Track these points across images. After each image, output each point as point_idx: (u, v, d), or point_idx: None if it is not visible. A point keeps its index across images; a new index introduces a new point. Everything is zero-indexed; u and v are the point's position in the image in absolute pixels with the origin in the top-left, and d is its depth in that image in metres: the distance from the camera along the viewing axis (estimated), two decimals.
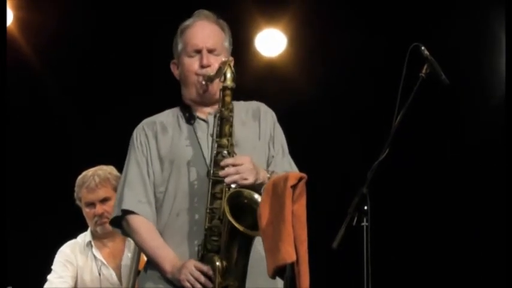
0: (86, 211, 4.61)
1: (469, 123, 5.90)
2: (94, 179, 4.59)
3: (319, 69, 6.09)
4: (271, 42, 6.18)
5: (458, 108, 5.85)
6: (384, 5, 5.93)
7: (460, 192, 5.84)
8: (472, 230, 5.81)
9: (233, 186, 3.31)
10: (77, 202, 4.68)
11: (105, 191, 4.59)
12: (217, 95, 3.47)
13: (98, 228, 4.58)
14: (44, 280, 4.64)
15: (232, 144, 3.40)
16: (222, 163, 3.33)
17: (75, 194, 4.67)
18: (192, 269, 3.29)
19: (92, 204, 4.58)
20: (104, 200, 4.57)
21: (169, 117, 3.61)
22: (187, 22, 3.61)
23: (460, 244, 5.84)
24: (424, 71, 3.31)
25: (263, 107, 3.66)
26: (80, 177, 4.66)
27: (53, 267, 4.64)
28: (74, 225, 4.79)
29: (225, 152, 3.37)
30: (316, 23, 6.05)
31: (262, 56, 6.20)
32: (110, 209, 4.47)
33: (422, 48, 3.32)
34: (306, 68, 6.15)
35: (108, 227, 4.53)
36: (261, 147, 3.57)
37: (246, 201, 3.25)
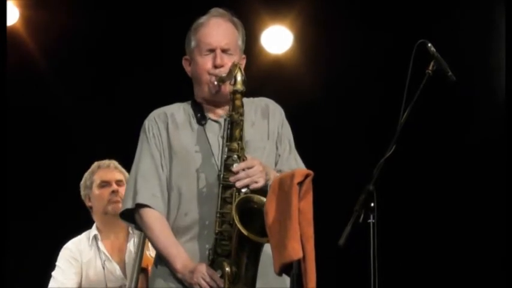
0: (99, 192, 4.68)
1: (476, 120, 5.89)
2: (112, 162, 4.76)
3: (326, 66, 6.09)
4: (277, 39, 6.18)
5: (464, 104, 5.84)
6: (390, 2, 5.92)
7: (467, 189, 5.83)
8: (479, 227, 5.80)
9: (244, 190, 3.31)
10: (85, 192, 4.73)
11: (120, 175, 4.71)
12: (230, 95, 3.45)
13: (110, 207, 4.63)
14: (49, 277, 4.66)
15: (242, 148, 3.38)
16: (235, 169, 3.32)
17: (85, 183, 4.74)
18: (204, 274, 3.29)
19: (107, 183, 4.68)
20: (119, 182, 4.68)
21: (180, 112, 3.59)
22: (201, 20, 3.58)
23: (467, 241, 5.84)
24: (430, 67, 3.30)
25: (272, 105, 3.65)
26: (93, 165, 4.79)
27: (57, 263, 4.67)
28: (77, 222, 4.82)
29: (235, 156, 3.36)
30: (322, 20, 6.04)
31: (268, 53, 6.20)
32: (123, 192, 4.52)
33: (429, 45, 3.31)
34: (312, 65, 6.15)
35: (120, 207, 4.58)
36: (270, 147, 3.56)
37: (255, 206, 3.24)
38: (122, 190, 4.61)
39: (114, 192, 4.65)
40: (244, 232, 3.16)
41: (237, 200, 3.28)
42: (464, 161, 5.86)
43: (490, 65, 5.82)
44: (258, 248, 3.23)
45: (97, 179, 4.71)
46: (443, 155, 5.92)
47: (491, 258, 5.70)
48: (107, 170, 4.73)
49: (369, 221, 3.07)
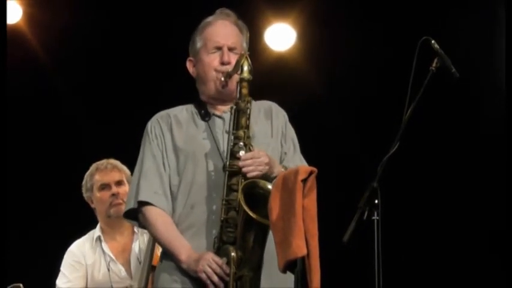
0: (100, 195, 4.66)
1: (480, 117, 5.88)
2: (109, 162, 4.72)
3: (329, 63, 6.09)
4: (280, 36, 6.18)
5: (468, 101, 5.84)
6: (393, 0, 5.92)
7: (470, 186, 5.83)
8: (482, 224, 5.80)
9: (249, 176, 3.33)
10: (87, 194, 4.72)
11: (120, 175, 4.68)
12: (235, 92, 3.48)
13: (112, 210, 4.62)
14: (54, 278, 4.65)
15: (248, 137, 3.41)
16: (243, 158, 3.34)
17: (85, 185, 4.72)
18: (210, 261, 3.30)
19: (107, 186, 4.65)
20: (119, 183, 4.65)
21: (183, 112, 3.62)
22: (208, 19, 3.63)
23: (470, 238, 5.84)
24: (434, 64, 3.30)
25: (275, 107, 3.68)
26: (91, 167, 4.74)
27: (61, 268, 4.66)
28: (82, 223, 4.82)
29: (241, 143, 3.38)
30: (325, 18, 6.04)
31: (272, 51, 6.20)
32: (124, 193, 4.53)
33: (433, 41, 3.31)
34: (315, 62, 6.15)
35: (123, 209, 4.58)
36: (274, 145, 3.58)
37: (261, 191, 3.25)
38: (122, 191, 4.60)
39: (114, 195, 4.63)
40: (250, 213, 3.17)
41: (243, 184, 3.29)
42: (468, 158, 5.86)
43: (493, 62, 5.81)
44: (264, 231, 3.22)
45: (96, 181, 4.69)
46: (447, 152, 5.92)
47: (493, 256, 5.70)
48: (105, 171, 4.69)
49: (373, 218, 3.07)
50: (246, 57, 3.44)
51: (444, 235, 5.89)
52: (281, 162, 3.56)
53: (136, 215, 3.54)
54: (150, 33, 6.00)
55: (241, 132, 3.40)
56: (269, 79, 5.70)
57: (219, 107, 3.60)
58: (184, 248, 3.40)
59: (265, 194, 3.19)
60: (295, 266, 2.96)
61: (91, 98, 6.17)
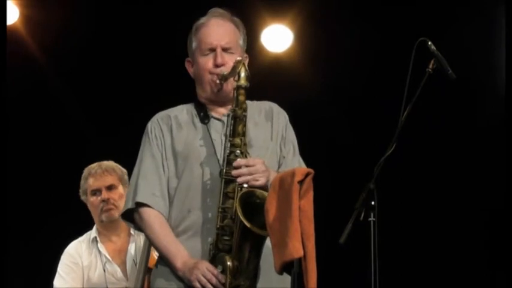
0: (92, 200, 4.65)
1: (478, 119, 5.88)
2: (100, 166, 4.68)
3: (326, 64, 6.09)
4: (277, 37, 6.18)
5: (464, 103, 5.84)
6: (391, 1, 5.92)
7: (467, 187, 5.83)
8: (479, 225, 5.80)
9: (245, 186, 3.31)
10: (83, 197, 4.71)
11: (112, 178, 4.65)
12: (232, 93, 3.46)
13: (104, 216, 4.61)
14: (51, 280, 4.65)
15: (245, 144, 3.39)
16: (235, 163, 3.33)
17: (81, 188, 4.71)
18: (204, 270, 3.28)
19: (98, 191, 4.64)
20: (110, 188, 4.64)
21: (183, 113, 3.60)
22: (202, 20, 3.59)
23: (466, 239, 5.84)
24: (430, 66, 3.31)
25: (276, 108, 3.66)
26: (84, 170, 4.72)
27: (58, 269, 4.66)
28: (81, 224, 4.81)
29: (238, 151, 3.37)
30: (322, 19, 6.04)
31: (268, 52, 6.20)
32: (116, 197, 4.54)
33: (429, 43, 3.32)
34: (312, 64, 6.15)
35: (114, 214, 4.58)
36: (273, 148, 3.56)
37: (258, 201, 3.24)
38: (114, 195, 4.59)
39: (104, 201, 4.62)
40: (247, 224, 3.16)
41: (239, 193, 3.28)
42: (465, 160, 5.86)
43: (491, 64, 5.82)
44: (261, 241, 3.22)
45: (89, 186, 4.67)
46: (443, 153, 5.92)
47: (490, 257, 5.70)
48: (96, 176, 4.66)
49: (370, 219, 3.08)
50: (243, 64, 3.41)
51: (441, 236, 5.89)
52: (279, 165, 3.55)
53: (132, 216, 3.51)
54: (148, 32, 6.00)
55: (237, 140, 3.39)
56: (266, 81, 5.70)
57: (218, 109, 3.58)
58: (180, 254, 3.38)
59: (262, 204, 3.16)
60: (292, 267, 2.96)
61: (89, 98, 6.16)
